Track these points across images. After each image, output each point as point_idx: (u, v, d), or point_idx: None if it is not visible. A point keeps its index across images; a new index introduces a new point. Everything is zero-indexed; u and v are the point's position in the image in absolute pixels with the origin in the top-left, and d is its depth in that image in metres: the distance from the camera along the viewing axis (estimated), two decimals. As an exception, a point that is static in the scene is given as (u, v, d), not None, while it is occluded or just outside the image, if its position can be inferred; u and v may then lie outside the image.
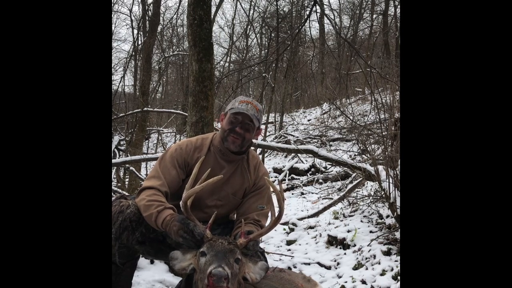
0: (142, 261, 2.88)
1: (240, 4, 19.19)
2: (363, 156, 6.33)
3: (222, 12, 27.50)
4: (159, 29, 13.67)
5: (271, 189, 1.96)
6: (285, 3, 16.53)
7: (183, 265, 1.70)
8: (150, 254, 2.14)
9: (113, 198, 2.12)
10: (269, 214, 1.96)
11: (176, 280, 2.74)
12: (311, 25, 20.10)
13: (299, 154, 8.17)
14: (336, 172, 7.34)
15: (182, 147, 2.11)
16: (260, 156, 9.41)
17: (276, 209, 1.86)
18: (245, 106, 2.05)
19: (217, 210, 2.09)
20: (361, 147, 6.18)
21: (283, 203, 1.81)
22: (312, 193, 6.82)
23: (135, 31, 12.93)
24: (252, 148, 2.32)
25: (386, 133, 4.25)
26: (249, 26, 17.26)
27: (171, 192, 2.04)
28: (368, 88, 10.08)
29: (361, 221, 3.90)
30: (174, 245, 2.06)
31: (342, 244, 3.63)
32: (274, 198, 1.99)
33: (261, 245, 3.24)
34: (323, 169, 7.88)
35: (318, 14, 10.47)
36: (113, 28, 14.54)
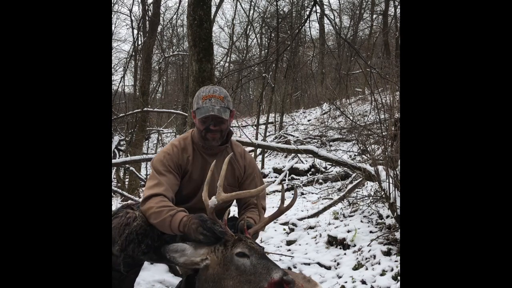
0: (142, 261, 2.88)
1: (240, 4, 19.25)
2: (363, 156, 6.32)
3: (222, 12, 27.54)
4: (159, 29, 13.69)
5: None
6: (285, 3, 16.56)
7: (195, 259, 1.69)
8: (153, 260, 2.15)
9: (119, 206, 2.10)
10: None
11: (176, 280, 2.74)
12: (311, 25, 20.12)
13: (299, 154, 8.18)
14: (336, 172, 7.34)
15: (170, 152, 2.10)
16: (260, 156, 9.41)
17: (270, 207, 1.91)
18: (209, 103, 2.04)
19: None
20: (361, 147, 6.17)
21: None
22: (312, 193, 6.82)
23: (135, 31, 12.95)
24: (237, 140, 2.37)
25: (386, 133, 4.25)
26: (249, 26, 17.29)
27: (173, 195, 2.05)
28: (368, 88, 10.09)
29: (361, 221, 3.90)
30: None
31: (342, 244, 3.63)
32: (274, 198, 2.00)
33: (262, 245, 3.24)
34: (323, 169, 7.89)
35: (318, 14, 10.48)
36: (113, 28, 14.55)
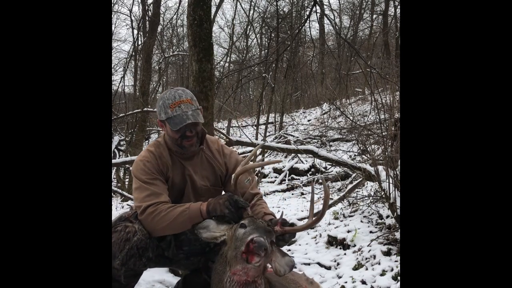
0: (142, 261, 2.88)
1: (240, 4, 19.25)
2: (363, 156, 6.32)
3: (222, 13, 27.53)
4: (159, 29, 13.70)
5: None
6: (285, 3, 16.57)
7: (215, 234, 1.74)
8: (151, 267, 2.15)
9: (116, 217, 2.05)
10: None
11: (176, 280, 2.74)
12: (311, 25, 20.15)
13: (299, 154, 8.18)
14: (336, 172, 7.34)
15: (150, 160, 2.03)
16: (260, 156, 9.41)
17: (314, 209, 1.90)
18: (179, 110, 1.95)
19: None
20: (361, 148, 6.17)
21: (327, 207, 1.83)
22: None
23: (135, 31, 12.98)
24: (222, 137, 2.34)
25: (386, 133, 4.25)
26: (249, 26, 17.28)
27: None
28: (368, 88, 10.09)
29: (361, 221, 3.90)
30: (171, 256, 2.10)
31: (342, 244, 3.63)
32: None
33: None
34: (323, 170, 7.89)
35: (318, 14, 10.49)
36: (113, 28, 14.56)
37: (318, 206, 5.00)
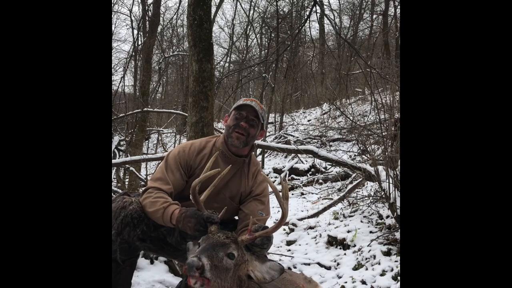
0: (142, 262, 2.88)
1: (240, 4, 19.26)
2: (363, 156, 6.33)
3: (222, 13, 27.48)
4: (159, 29, 13.69)
5: (270, 189, 1.91)
6: (285, 3, 16.57)
7: (189, 256, 1.72)
8: (151, 250, 2.16)
9: (116, 194, 2.12)
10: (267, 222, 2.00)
11: (176, 280, 2.74)
12: (311, 25, 20.15)
13: (299, 155, 8.19)
14: (336, 172, 7.35)
15: (186, 150, 2.11)
16: (260, 157, 9.42)
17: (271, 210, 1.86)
18: (250, 102, 2.09)
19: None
20: (361, 148, 6.18)
21: (283, 202, 1.71)
22: (312, 193, 6.82)
23: (135, 32, 12.97)
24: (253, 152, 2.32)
25: (386, 133, 4.25)
26: (249, 27, 17.29)
27: (175, 193, 2.05)
28: (368, 88, 10.09)
29: (361, 222, 3.90)
30: (175, 244, 2.07)
31: (342, 244, 3.63)
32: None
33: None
34: (323, 170, 7.90)
35: (318, 14, 10.48)
36: (113, 28, 14.56)
37: (318, 206, 5.02)
